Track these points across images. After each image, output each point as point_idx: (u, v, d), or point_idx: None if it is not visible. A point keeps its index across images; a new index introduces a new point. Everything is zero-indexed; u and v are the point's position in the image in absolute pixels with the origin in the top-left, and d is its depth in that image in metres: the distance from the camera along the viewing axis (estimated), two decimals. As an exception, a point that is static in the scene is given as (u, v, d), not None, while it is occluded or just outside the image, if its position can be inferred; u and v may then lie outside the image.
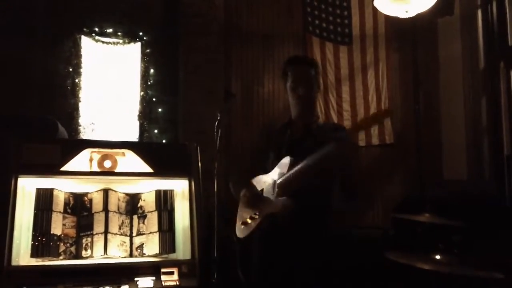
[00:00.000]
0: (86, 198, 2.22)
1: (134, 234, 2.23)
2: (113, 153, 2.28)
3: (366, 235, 3.46)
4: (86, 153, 2.24)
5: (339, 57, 4.60)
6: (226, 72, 4.34)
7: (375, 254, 2.38)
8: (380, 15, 4.53)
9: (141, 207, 2.27)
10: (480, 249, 2.50)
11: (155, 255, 2.18)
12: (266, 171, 2.16)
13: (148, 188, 2.31)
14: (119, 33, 4.14)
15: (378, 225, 4.19)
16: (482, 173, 3.95)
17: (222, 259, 2.19)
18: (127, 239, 2.21)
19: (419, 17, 3.17)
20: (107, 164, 2.25)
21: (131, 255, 2.18)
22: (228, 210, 2.35)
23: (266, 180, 2.13)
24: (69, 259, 2.08)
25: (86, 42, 4.06)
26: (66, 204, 2.17)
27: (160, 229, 2.21)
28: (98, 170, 2.24)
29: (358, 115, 4.54)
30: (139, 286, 2.01)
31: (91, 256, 2.12)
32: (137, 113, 4.12)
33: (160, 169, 2.27)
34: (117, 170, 2.27)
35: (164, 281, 2.05)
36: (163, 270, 2.08)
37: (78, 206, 2.19)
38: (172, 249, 2.20)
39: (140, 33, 4.20)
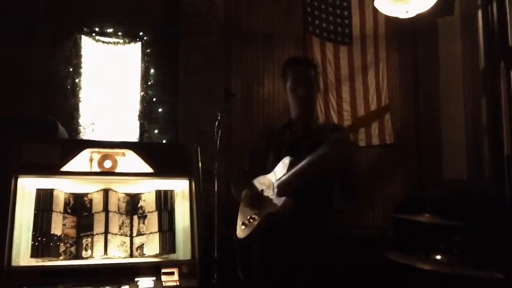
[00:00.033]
0: (86, 198, 2.22)
1: (134, 234, 2.23)
2: (113, 153, 2.28)
3: (366, 235, 3.46)
4: (86, 153, 2.24)
5: (339, 57, 4.60)
6: (226, 72, 4.34)
7: (375, 254, 2.38)
8: (380, 15, 4.53)
9: (141, 207, 2.27)
10: (480, 249, 2.50)
11: (155, 256, 2.18)
12: (267, 171, 2.16)
13: (148, 188, 2.31)
14: (119, 33, 4.14)
15: (378, 225, 4.19)
16: (482, 173, 3.95)
17: (222, 259, 2.19)
18: (127, 239, 2.21)
19: (419, 17, 3.17)
20: (107, 164, 2.25)
21: (131, 256, 2.18)
22: (228, 210, 2.35)
23: (266, 181, 2.13)
24: (69, 259, 2.08)
25: (86, 42, 4.06)
26: (66, 204, 2.17)
27: (160, 229, 2.21)
28: (98, 170, 2.24)
29: (358, 115, 4.54)
30: (139, 287, 2.01)
31: (91, 257, 2.12)
32: (137, 113, 4.12)
33: (160, 169, 2.27)
34: (117, 170, 2.27)
35: (165, 281, 2.05)
36: (163, 270, 2.08)
37: (78, 206, 2.19)
38: (173, 250, 2.20)
39: (140, 33, 4.20)
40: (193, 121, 3.99)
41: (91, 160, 2.25)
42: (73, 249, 2.11)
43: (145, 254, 2.19)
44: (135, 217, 2.26)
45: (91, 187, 2.25)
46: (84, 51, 4.03)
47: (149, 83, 4.18)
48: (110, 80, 4.09)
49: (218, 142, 2.23)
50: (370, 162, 4.54)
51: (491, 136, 3.89)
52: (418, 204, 2.14)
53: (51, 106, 3.82)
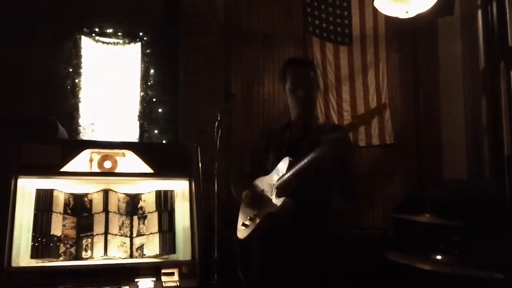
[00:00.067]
0: (86, 199, 2.21)
1: (134, 235, 2.23)
2: (113, 153, 2.27)
3: (366, 236, 3.46)
4: (86, 154, 2.23)
5: (339, 57, 4.60)
6: (226, 72, 4.34)
7: (375, 255, 2.38)
8: (380, 16, 4.53)
9: (141, 207, 2.27)
10: (480, 249, 2.50)
11: (155, 256, 2.18)
12: (267, 172, 2.17)
13: (148, 189, 2.30)
14: (119, 33, 4.15)
15: (378, 226, 4.19)
16: (482, 173, 3.94)
17: (223, 260, 2.19)
18: (127, 240, 2.20)
19: (419, 17, 3.17)
20: (107, 164, 2.25)
21: (131, 256, 2.18)
22: (228, 210, 2.35)
23: (266, 181, 2.13)
24: (69, 260, 2.07)
25: (86, 42, 4.07)
26: (66, 204, 2.16)
27: (160, 230, 2.21)
28: (98, 170, 2.23)
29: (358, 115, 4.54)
30: (139, 287, 2.01)
31: (91, 257, 2.11)
32: (137, 113, 4.12)
33: (160, 170, 2.27)
34: (117, 170, 2.26)
35: (165, 282, 2.04)
36: (163, 271, 2.08)
37: (78, 206, 2.19)
38: (173, 250, 2.20)
39: (140, 33, 4.20)
40: (193, 121, 4.00)
41: (91, 160, 2.25)
42: (73, 249, 2.11)
43: (145, 255, 2.18)
44: (135, 218, 2.26)
45: (91, 188, 2.24)
46: (84, 52, 4.04)
47: (149, 83, 4.18)
48: (110, 81, 4.09)
49: (218, 142, 2.23)
50: (370, 162, 4.54)
51: (491, 136, 3.89)
52: (418, 204, 2.15)
53: (51, 106, 3.82)
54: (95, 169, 2.24)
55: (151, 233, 2.21)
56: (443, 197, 2.81)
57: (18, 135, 2.22)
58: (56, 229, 2.09)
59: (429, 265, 1.75)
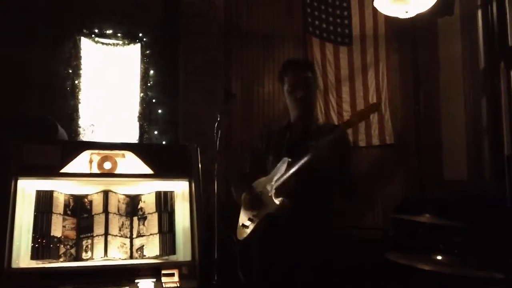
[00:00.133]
0: (86, 200, 2.21)
1: (134, 235, 2.22)
2: (113, 154, 2.27)
3: (366, 236, 3.46)
4: (86, 155, 2.23)
5: (339, 57, 4.60)
6: (226, 73, 4.34)
7: (375, 255, 2.37)
8: (380, 16, 4.53)
9: (141, 208, 2.27)
10: (480, 250, 2.50)
11: (155, 257, 2.18)
12: (267, 173, 2.17)
13: (148, 190, 2.30)
14: (119, 34, 4.14)
15: (378, 226, 4.19)
16: (483, 173, 3.94)
17: (223, 260, 2.19)
18: (127, 240, 2.20)
19: (419, 18, 3.18)
20: (107, 165, 2.24)
21: (131, 257, 2.18)
22: (228, 211, 2.35)
23: (266, 182, 2.14)
24: (69, 261, 2.07)
25: (86, 44, 4.06)
26: (66, 206, 2.16)
27: (160, 231, 2.21)
28: (98, 171, 2.23)
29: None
30: (139, 288, 2.01)
31: (91, 258, 2.11)
32: (137, 114, 4.12)
33: (160, 171, 2.27)
34: (117, 171, 2.26)
35: (165, 282, 2.04)
36: (163, 271, 2.07)
37: (78, 208, 2.19)
38: (173, 251, 2.19)
39: (140, 34, 4.20)
40: (193, 122, 3.99)
41: (90, 161, 2.24)
42: (73, 250, 2.10)
43: (145, 256, 2.18)
44: (135, 219, 2.25)
45: (91, 189, 2.24)
46: (83, 53, 4.04)
47: (149, 84, 4.18)
48: (110, 82, 4.09)
49: (218, 143, 2.23)
50: (370, 162, 4.54)
51: (491, 136, 3.89)
52: (418, 204, 2.14)
53: (50, 107, 3.82)
54: (95, 170, 2.23)
55: (151, 234, 2.21)
56: (443, 197, 2.82)
57: (18, 136, 2.21)
58: (56, 230, 2.09)
59: (429, 266, 1.75)
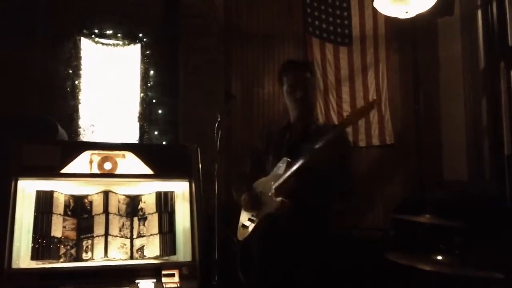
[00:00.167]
0: (86, 200, 2.21)
1: (134, 236, 2.22)
2: (113, 155, 2.27)
3: (367, 236, 3.46)
4: (86, 155, 2.23)
5: (339, 58, 4.60)
6: (226, 73, 4.33)
7: (375, 255, 2.38)
8: (380, 16, 4.53)
9: (141, 209, 2.27)
10: (480, 250, 2.50)
11: (155, 257, 2.18)
12: (267, 173, 2.18)
13: (148, 190, 2.30)
14: (119, 35, 4.14)
15: (379, 226, 4.19)
16: (483, 174, 3.94)
17: (223, 261, 2.19)
18: (128, 241, 2.20)
19: (419, 18, 3.18)
20: (107, 166, 2.25)
21: (131, 257, 2.18)
22: (228, 211, 2.35)
23: (266, 182, 2.14)
24: (69, 261, 2.07)
25: (86, 44, 4.06)
26: (66, 206, 2.16)
27: (160, 231, 2.21)
28: (98, 172, 2.23)
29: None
30: (139, 288, 2.01)
31: (91, 259, 2.11)
32: (137, 114, 4.12)
33: (161, 171, 2.27)
34: (117, 172, 2.26)
35: (165, 283, 2.05)
36: (163, 272, 2.08)
37: (78, 208, 2.19)
38: (173, 251, 2.20)
39: (140, 35, 4.19)
40: (193, 122, 3.99)
41: (91, 162, 2.24)
42: (73, 251, 2.11)
43: (145, 256, 2.18)
44: (135, 219, 2.26)
45: (91, 189, 2.24)
46: (83, 53, 4.03)
47: (149, 84, 4.17)
48: (110, 82, 4.09)
49: (218, 143, 2.23)
50: (370, 162, 4.54)
51: (491, 136, 3.89)
52: (419, 204, 2.15)
53: (51, 108, 3.81)
54: (95, 170, 2.23)
55: (151, 234, 2.21)
56: (444, 198, 2.82)
57: (18, 136, 2.21)
58: (57, 231, 2.09)
59: (429, 266, 1.76)
